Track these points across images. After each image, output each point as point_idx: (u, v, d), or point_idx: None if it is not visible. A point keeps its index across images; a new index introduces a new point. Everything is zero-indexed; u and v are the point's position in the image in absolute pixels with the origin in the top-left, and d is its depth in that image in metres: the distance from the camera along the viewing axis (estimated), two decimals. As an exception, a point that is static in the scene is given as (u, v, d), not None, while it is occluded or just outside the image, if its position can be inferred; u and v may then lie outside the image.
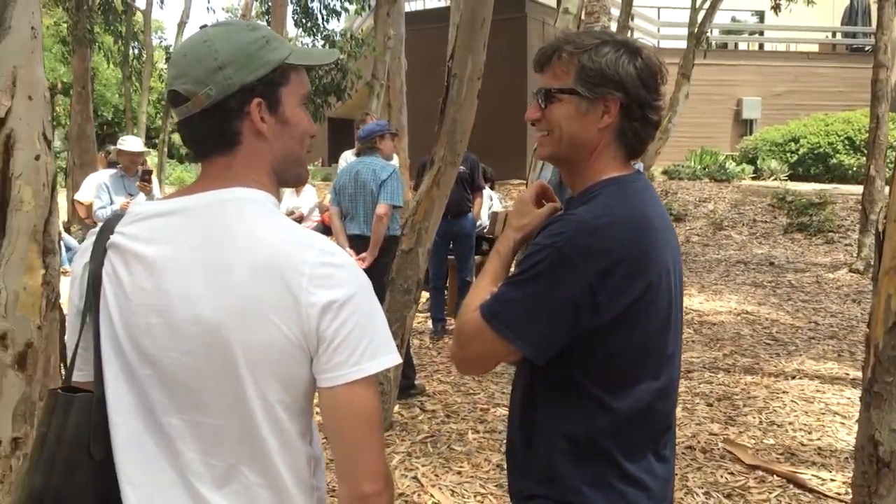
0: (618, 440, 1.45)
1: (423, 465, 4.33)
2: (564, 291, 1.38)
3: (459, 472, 4.26)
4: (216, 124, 1.27)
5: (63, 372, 2.67)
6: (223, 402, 1.22)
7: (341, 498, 1.26)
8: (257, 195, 1.28)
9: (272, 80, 1.28)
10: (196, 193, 1.27)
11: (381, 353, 1.23)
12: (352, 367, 1.20)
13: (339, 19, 13.90)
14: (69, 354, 1.33)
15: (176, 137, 25.96)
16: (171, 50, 17.31)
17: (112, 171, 6.95)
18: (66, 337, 1.36)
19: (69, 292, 1.36)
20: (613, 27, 11.62)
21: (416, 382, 5.55)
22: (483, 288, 1.52)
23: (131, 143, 6.68)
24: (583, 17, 7.74)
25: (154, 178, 6.79)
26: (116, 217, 1.31)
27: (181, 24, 16.47)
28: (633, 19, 15.23)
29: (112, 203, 6.42)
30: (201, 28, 1.33)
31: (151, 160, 13.91)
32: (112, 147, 8.52)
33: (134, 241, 1.26)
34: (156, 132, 19.58)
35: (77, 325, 1.31)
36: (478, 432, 4.85)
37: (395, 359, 1.24)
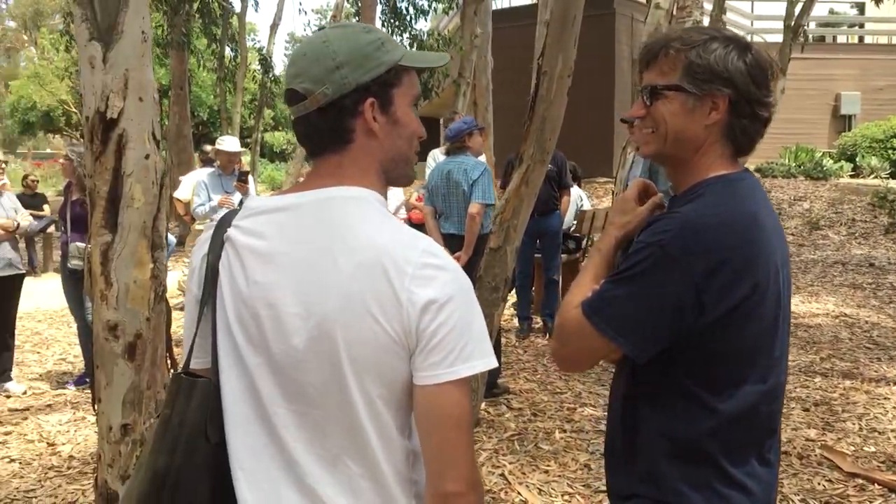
0: (721, 443, 1.43)
1: (509, 463, 4.33)
2: (668, 290, 1.37)
3: (546, 471, 4.24)
4: (331, 122, 1.31)
5: (169, 362, 2.77)
6: (327, 395, 1.25)
7: (427, 496, 1.28)
8: (365, 194, 1.31)
9: (386, 81, 1.32)
10: (307, 190, 1.31)
11: (476, 356, 1.24)
12: (446, 369, 1.22)
13: (425, 19, 13.99)
14: (188, 342, 1.39)
15: (268, 137, 26.63)
16: (264, 52, 17.80)
17: (209, 169, 7.17)
18: (184, 325, 1.42)
19: (188, 283, 1.42)
20: (706, 22, 11.35)
21: (498, 381, 5.54)
22: (584, 285, 1.52)
23: (229, 143, 6.88)
24: (674, 11, 7.58)
25: (250, 177, 6.97)
26: (233, 212, 1.36)
27: (273, 26, 16.87)
28: (725, 13, 14.83)
29: (210, 200, 6.63)
30: (320, 29, 1.37)
31: (244, 159, 14.27)
32: (209, 147, 8.79)
33: (248, 235, 1.30)
34: (248, 132, 20.11)
35: (195, 314, 1.36)
36: (564, 431, 4.82)
37: (490, 363, 1.25)
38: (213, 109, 24.59)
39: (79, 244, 5.55)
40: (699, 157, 1.49)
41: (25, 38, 39.66)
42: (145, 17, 2.58)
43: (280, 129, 29.00)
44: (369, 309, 1.21)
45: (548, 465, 4.31)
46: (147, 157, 2.60)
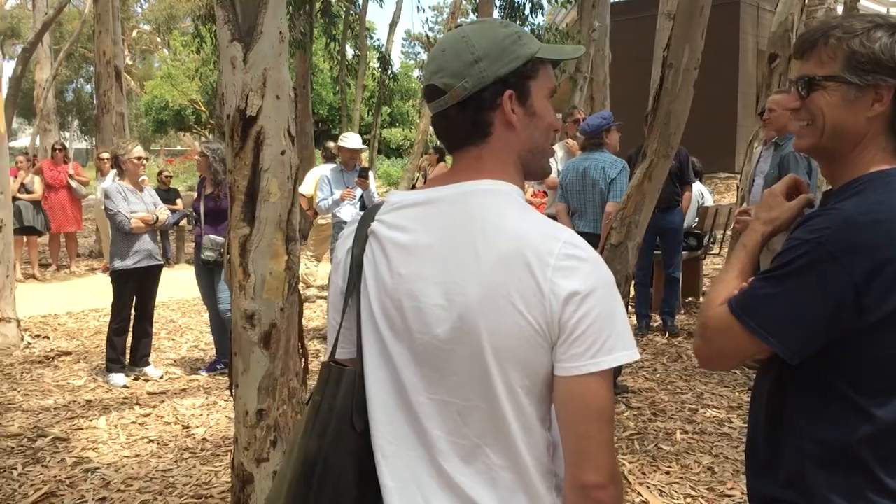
0: (877, 451, 1.35)
1: (629, 463, 4.27)
2: (826, 290, 1.31)
3: (668, 472, 4.16)
4: (470, 116, 1.33)
5: (301, 351, 2.87)
6: (469, 385, 1.27)
7: (565, 487, 1.28)
8: (505, 186, 1.32)
9: (523, 74, 1.33)
10: (448, 184, 1.34)
11: (619, 348, 1.23)
12: (587, 360, 1.22)
13: (542, 13, 13.91)
14: (333, 333, 1.44)
15: (385, 133, 27.08)
16: (383, 50, 18.11)
17: (332, 165, 7.37)
18: (329, 316, 1.47)
19: (332, 276, 1.47)
20: (839, 10, 10.80)
21: (617, 380, 5.46)
22: (728, 282, 1.48)
23: (352, 140, 7.07)
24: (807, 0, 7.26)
25: (370, 173, 7.13)
26: (376, 206, 1.40)
27: (392, 24, 17.16)
28: (860, 0, 14.07)
29: (333, 195, 6.82)
30: (457, 27, 1.40)
31: (363, 155, 14.57)
32: (331, 143, 9.02)
33: (391, 229, 1.34)
34: (367, 129, 20.53)
35: (340, 305, 1.41)
36: (686, 433, 4.71)
37: (632, 355, 1.24)
38: (333, 107, 25.21)
39: (211, 236, 5.81)
40: (859, 151, 1.42)
41: (159, 40, 41.76)
42: (282, 18, 2.68)
43: (397, 125, 29.50)
44: (511, 300, 1.22)
45: (669, 467, 4.22)
46: (283, 152, 2.69)
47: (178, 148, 43.21)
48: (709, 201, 8.80)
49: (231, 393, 2.82)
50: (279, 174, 2.68)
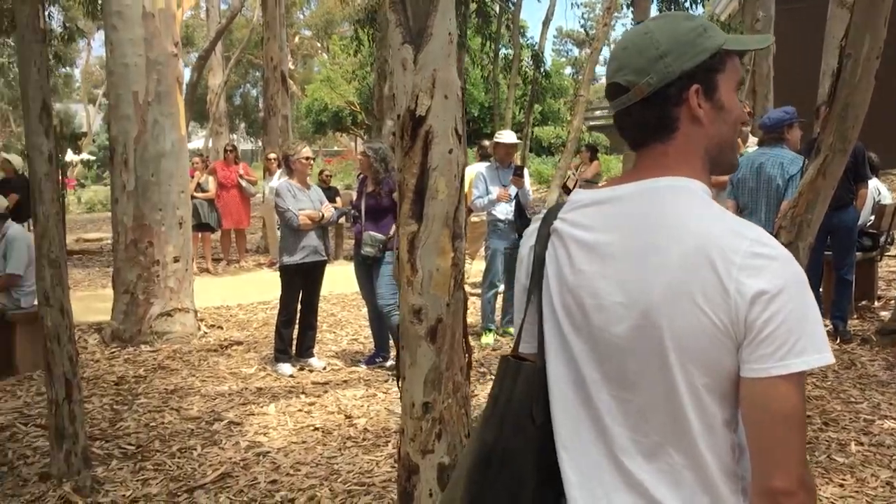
0: None
1: (800, 473, 4.06)
2: None
3: (842, 485, 3.94)
4: (655, 112, 1.31)
5: (465, 346, 2.92)
6: (651, 383, 1.25)
7: (752, 492, 1.24)
8: (690, 184, 1.30)
9: (710, 67, 1.31)
10: (632, 182, 1.33)
11: (810, 350, 1.18)
12: (776, 362, 1.17)
13: (702, 5, 13.45)
14: (515, 328, 1.46)
15: (538, 132, 27.01)
16: (536, 48, 18.09)
17: (487, 163, 7.43)
18: (514, 311, 1.50)
19: (517, 272, 1.49)
20: None
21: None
22: None
23: (507, 136, 7.12)
24: None
25: (525, 171, 7.14)
26: (558, 205, 1.41)
27: (546, 22, 17.09)
28: None
29: (488, 193, 6.88)
30: (638, 23, 1.39)
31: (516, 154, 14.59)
32: (486, 142, 9.09)
33: (574, 227, 1.35)
34: (518, 127, 20.58)
35: (523, 301, 1.44)
36: (861, 444, 4.44)
37: (825, 359, 1.19)
38: (484, 106, 25.40)
39: (371, 233, 6.00)
40: None
41: (318, 45, 43.54)
42: (451, 19, 2.73)
43: (548, 123, 29.37)
44: (695, 299, 1.19)
45: (843, 479, 3.99)
46: (450, 151, 2.74)
47: (335, 148, 44.85)
48: (886, 199, 8.23)
49: (398, 385, 2.90)
50: (447, 172, 2.74)
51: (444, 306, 2.77)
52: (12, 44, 16.76)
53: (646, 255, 1.25)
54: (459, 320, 2.85)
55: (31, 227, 4.22)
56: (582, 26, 23.37)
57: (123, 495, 4.04)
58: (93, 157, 35.37)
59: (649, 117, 1.32)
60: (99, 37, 33.96)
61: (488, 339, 6.95)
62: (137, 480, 4.22)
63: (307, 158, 6.16)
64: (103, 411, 5.28)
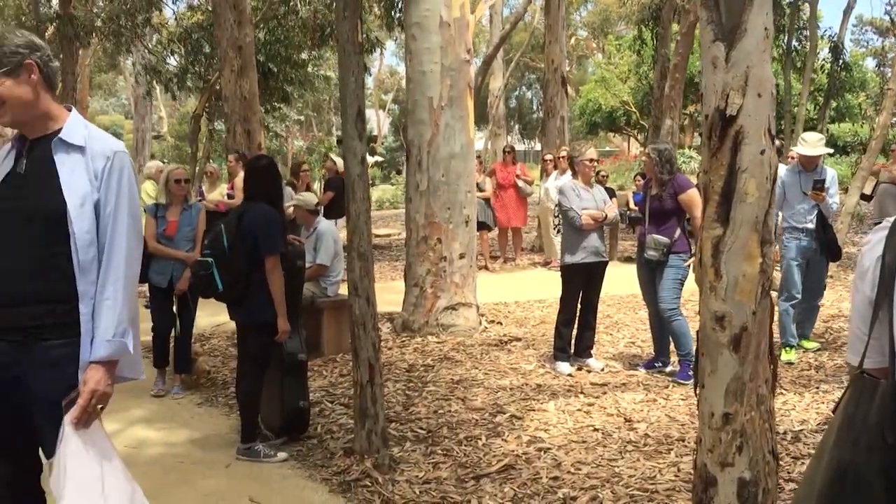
0: None
1: None
2: None
3: None
4: None
5: (770, 357, 2.77)
6: None
7: None
8: None
9: None
10: None
11: None
12: None
13: None
14: (859, 343, 1.37)
15: (833, 129, 24.92)
16: (835, 38, 16.69)
17: (788, 166, 6.94)
18: (851, 324, 1.40)
19: (858, 284, 1.39)
20: None
21: None
22: None
23: (813, 144, 6.41)
24: None
25: (832, 174, 6.52)
26: None
27: (847, 10, 15.72)
28: None
29: (785, 198, 6.44)
30: None
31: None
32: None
33: None
34: (812, 124, 19.10)
35: (868, 314, 1.34)
36: None
37: None
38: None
39: (655, 236, 5.88)
40: None
41: (594, 45, 43.47)
42: (768, 13, 2.60)
43: (845, 120, 26.91)
44: None
45: None
46: (762, 152, 2.62)
47: (608, 148, 44.52)
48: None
49: (695, 392, 2.83)
50: (757, 174, 2.62)
51: (749, 314, 2.66)
52: (318, 54, 18.51)
53: None
54: (765, 330, 2.72)
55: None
56: (887, 13, 21.04)
57: (417, 476, 4.31)
58: (380, 159, 38.11)
59: None
60: (389, 47, 36.49)
61: (790, 356, 6.39)
62: (428, 463, 4.49)
63: (591, 160, 6.18)
64: (397, 395, 5.68)
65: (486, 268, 11.93)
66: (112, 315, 2.36)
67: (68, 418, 2.29)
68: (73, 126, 2.46)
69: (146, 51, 18.31)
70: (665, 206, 5.90)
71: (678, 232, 5.91)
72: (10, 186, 2.41)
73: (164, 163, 12.29)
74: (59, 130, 2.43)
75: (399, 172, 39.60)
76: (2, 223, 2.38)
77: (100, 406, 2.34)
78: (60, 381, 2.34)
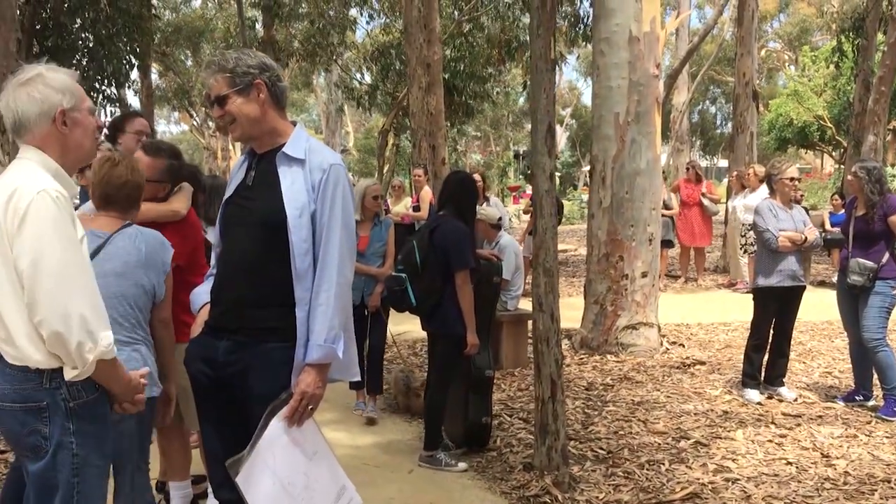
0: None
1: None
2: None
3: None
4: None
5: None
6: None
7: None
8: None
9: None
10: None
11: None
12: None
13: None
14: None
15: None
16: None
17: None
18: None
19: None
20: None
21: None
22: None
23: None
24: None
25: None
26: None
27: None
28: None
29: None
30: None
31: None
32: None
33: None
34: None
35: None
36: None
37: None
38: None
39: (860, 260, 5.50)
40: None
41: (787, 57, 41.26)
42: None
43: None
44: None
45: None
46: None
47: (799, 165, 42.09)
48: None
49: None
50: None
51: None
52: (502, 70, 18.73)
53: None
54: None
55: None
56: None
57: (597, 497, 4.25)
58: (557, 174, 37.98)
59: None
60: (570, 61, 36.31)
61: None
62: (609, 485, 4.41)
63: (791, 179, 5.87)
64: (576, 413, 5.62)
65: (661, 287, 11.60)
66: (325, 321, 2.48)
67: (280, 416, 2.44)
68: (296, 140, 2.62)
69: (340, 69, 19.26)
70: (873, 229, 5.51)
71: (886, 256, 5.49)
72: (240, 197, 2.62)
73: (351, 176, 12.85)
74: (284, 144, 2.61)
75: (575, 188, 39.33)
76: (230, 232, 2.59)
77: (310, 407, 2.48)
78: (275, 380, 2.50)
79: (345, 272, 2.54)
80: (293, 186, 2.54)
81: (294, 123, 2.72)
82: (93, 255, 2.77)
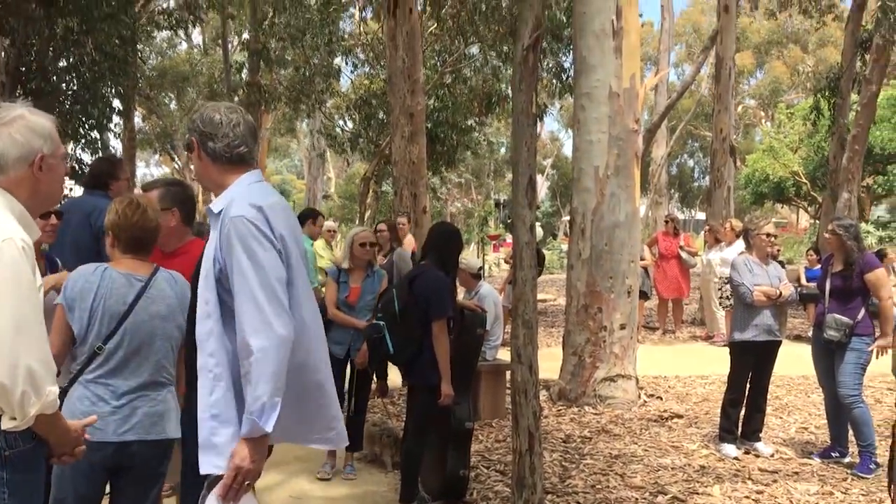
0: None
1: None
2: None
3: None
4: None
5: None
6: None
7: None
8: None
9: None
10: None
11: None
12: None
13: None
14: None
15: None
16: None
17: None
18: None
19: None
20: None
21: None
22: None
23: None
24: None
25: None
26: None
27: None
28: None
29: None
30: None
31: None
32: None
33: None
34: None
35: None
36: None
37: None
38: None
39: (836, 315, 5.56)
40: None
41: (762, 114, 42.08)
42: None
43: None
44: None
45: None
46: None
47: (774, 220, 42.64)
48: None
49: (889, 492, 2.62)
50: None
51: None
52: (483, 121, 18.93)
53: None
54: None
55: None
56: None
57: (575, 552, 4.21)
58: (538, 224, 38.21)
59: None
60: (551, 112, 36.79)
61: None
62: (587, 539, 4.37)
63: (768, 234, 5.95)
64: (553, 466, 5.58)
65: (637, 339, 11.63)
66: (251, 391, 2.29)
67: (215, 493, 2.34)
68: (225, 194, 2.51)
69: (323, 116, 19.41)
70: (851, 286, 5.58)
71: (862, 312, 5.55)
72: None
73: (333, 222, 12.84)
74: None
75: (555, 237, 39.56)
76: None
77: (246, 483, 2.34)
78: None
79: (267, 333, 2.28)
80: (210, 244, 2.46)
81: (253, 173, 2.56)
82: (136, 299, 2.86)
